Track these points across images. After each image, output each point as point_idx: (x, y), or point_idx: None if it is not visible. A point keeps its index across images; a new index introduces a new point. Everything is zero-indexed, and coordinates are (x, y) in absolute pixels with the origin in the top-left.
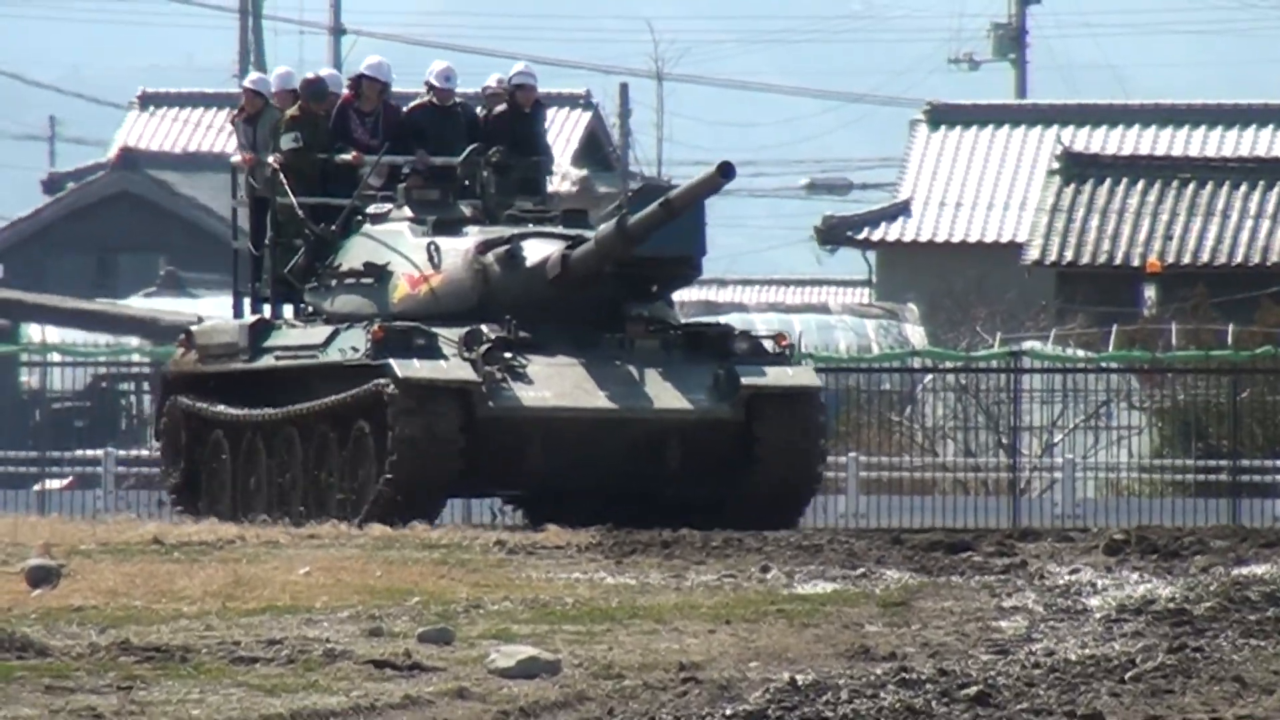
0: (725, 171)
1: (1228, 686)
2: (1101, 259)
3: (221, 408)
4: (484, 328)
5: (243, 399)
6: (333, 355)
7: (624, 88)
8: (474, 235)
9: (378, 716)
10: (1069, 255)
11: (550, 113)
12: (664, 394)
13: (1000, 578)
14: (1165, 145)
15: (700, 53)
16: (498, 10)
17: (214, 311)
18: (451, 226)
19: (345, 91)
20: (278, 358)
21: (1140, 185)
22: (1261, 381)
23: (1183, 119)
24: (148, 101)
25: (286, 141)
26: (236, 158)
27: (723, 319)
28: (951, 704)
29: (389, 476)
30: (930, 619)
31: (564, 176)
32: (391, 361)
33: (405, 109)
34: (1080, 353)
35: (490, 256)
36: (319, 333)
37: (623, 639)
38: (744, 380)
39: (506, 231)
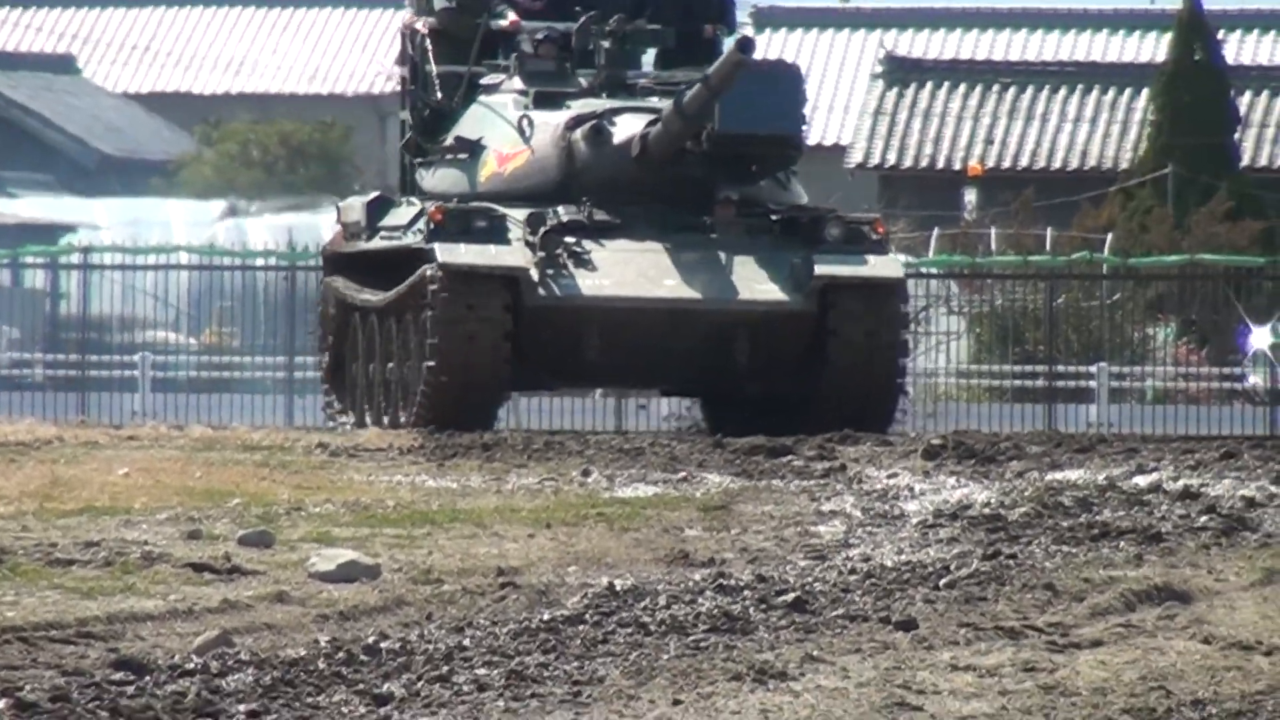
0: (743, 46)
1: (1040, 594)
2: (924, 163)
3: (350, 289)
4: (560, 210)
5: (369, 280)
6: (408, 238)
7: None
8: (572, 110)
9: (195, 620)
10: (891, 159)
11: (375, 14)
12: (735, 284)
13: (820, 482)
14: (986, 49)
15: None
16: None
17: (33, 212)
18: (553, 100)
19: None
20: (383, 238)
21: (962, 89)
22: (1077, 287)
23: (1004, 22)
24: None
25: (440, 1)
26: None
27: None
28: (769, 610)
29: (430, 365)
30: (749, 524)
31: (389, 76)
32: (436, 245)
33: None
34: (902, 257)
35: (578, 133)
36: (410, 212)
37: (442, 543)
38: (818, 269)
39: (609, 105)
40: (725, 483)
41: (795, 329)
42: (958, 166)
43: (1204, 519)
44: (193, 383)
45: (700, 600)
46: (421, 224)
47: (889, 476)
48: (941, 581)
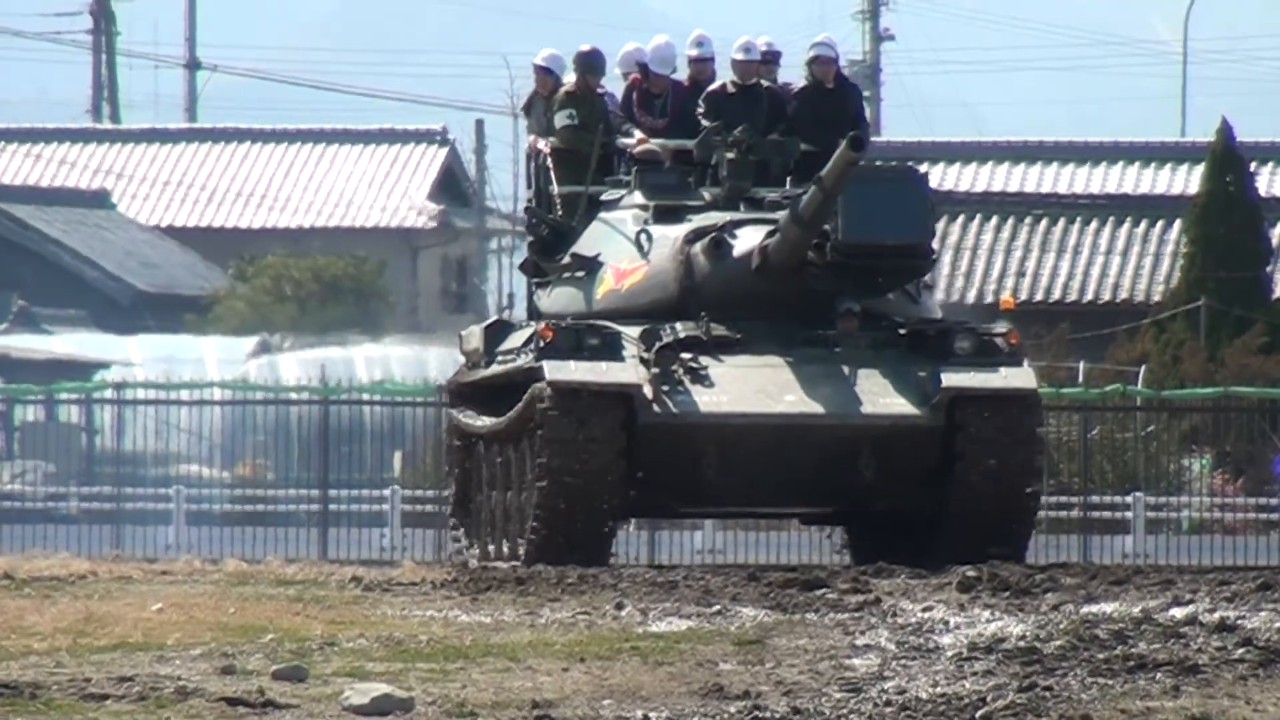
0: (855, 145)
1: None
2: (954, 296)
3: (470, 419)
4: (677, 325)
5: (489, 408)
6: (520, 359)
7: (479, 124)
8: (693, 223)
9: None
10: None
11: (407, 149)
12: (859, 397)
13: (854, 615)
14: (1018, 182)
15: None
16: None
17: (68, 348)
18: (673, 214)
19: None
20: (499, 363)
21: (994, 221)
22: (1111, 419)
23: (1035, 156)
24: None
25: (561, 119)
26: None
27: None
28: None
29: (541, 485)
30: (784, 657)
31: (420, 211)
32: (545, 364)
33: (705, 92)
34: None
35: (697, 246)
36: (526, 334)
37: (476, 677)
38: (945, 380)
39: (730, 218)
40: (759, 616)
41: (923, 444)
42: (989, 299)
43: (1241, 650)
44: (226, 516)
45: None
46: (534, 344)
47: (923, 610)
48: (977, 714)
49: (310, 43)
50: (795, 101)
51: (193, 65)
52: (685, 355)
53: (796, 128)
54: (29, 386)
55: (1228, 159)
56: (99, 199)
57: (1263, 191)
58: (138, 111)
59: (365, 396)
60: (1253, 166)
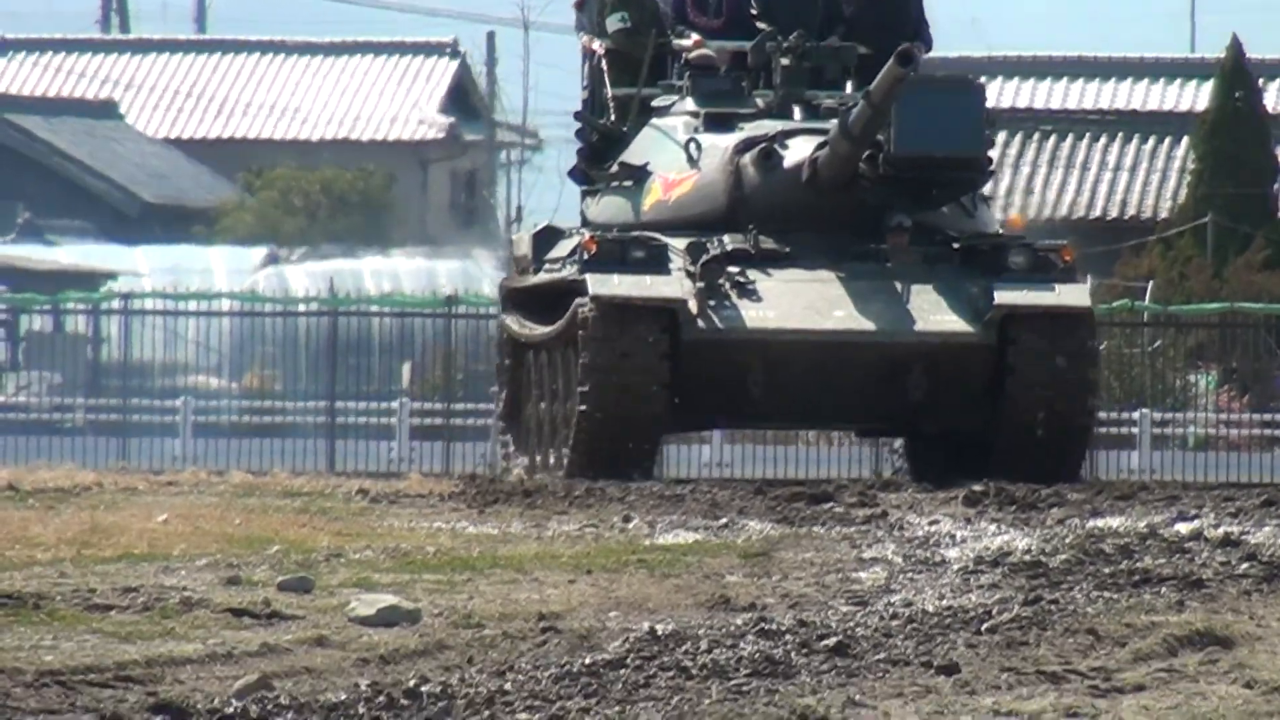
0: (904, 59)
1: (1081, 639)
2: None
3: (521, 326)
4: (725, 238)
5: (539, 316)
6: (565, 270)
7: (490, 36)
8: (744, 132)
9: (235, 664)
10: None
11: (417, 62)
12: (909, 314)
13: (861, 529)
14: (1026, 98)
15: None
16: None
17: (74, 259)
18: (725, 122)
19: None
20: (547, 271)
21: (1001, 137)
22: (1119, 334)
23: (1044, 71)
24: (6, 47)
25: (613, 22)
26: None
27: None
28: (810, 654)
29: (582, 409)
30: (790, 570)
31: (430, 124)
32: (588, 277)
33: None
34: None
35: (747, 157)
36: (573, 243)
37: (483, 588)
38: (998, 298)
39: (782, 127)
40: (766, 529)
41: (975, 363)
42: (999, 216)
43: (1245, 566)
44: (234, 428)
45: (742, 645)
46: (578, 255)
47: (930, 523)
48: (983, 626)
49: None
50: (854, 4)
51: None
52: (732, 269)
53: (854, 30)
54: (35, 296)
55: (1237, 75)
56: (107, 110)
57: (1271, 108)
58: (146, 22)
59: (374, 309)
60: (1260, 83)
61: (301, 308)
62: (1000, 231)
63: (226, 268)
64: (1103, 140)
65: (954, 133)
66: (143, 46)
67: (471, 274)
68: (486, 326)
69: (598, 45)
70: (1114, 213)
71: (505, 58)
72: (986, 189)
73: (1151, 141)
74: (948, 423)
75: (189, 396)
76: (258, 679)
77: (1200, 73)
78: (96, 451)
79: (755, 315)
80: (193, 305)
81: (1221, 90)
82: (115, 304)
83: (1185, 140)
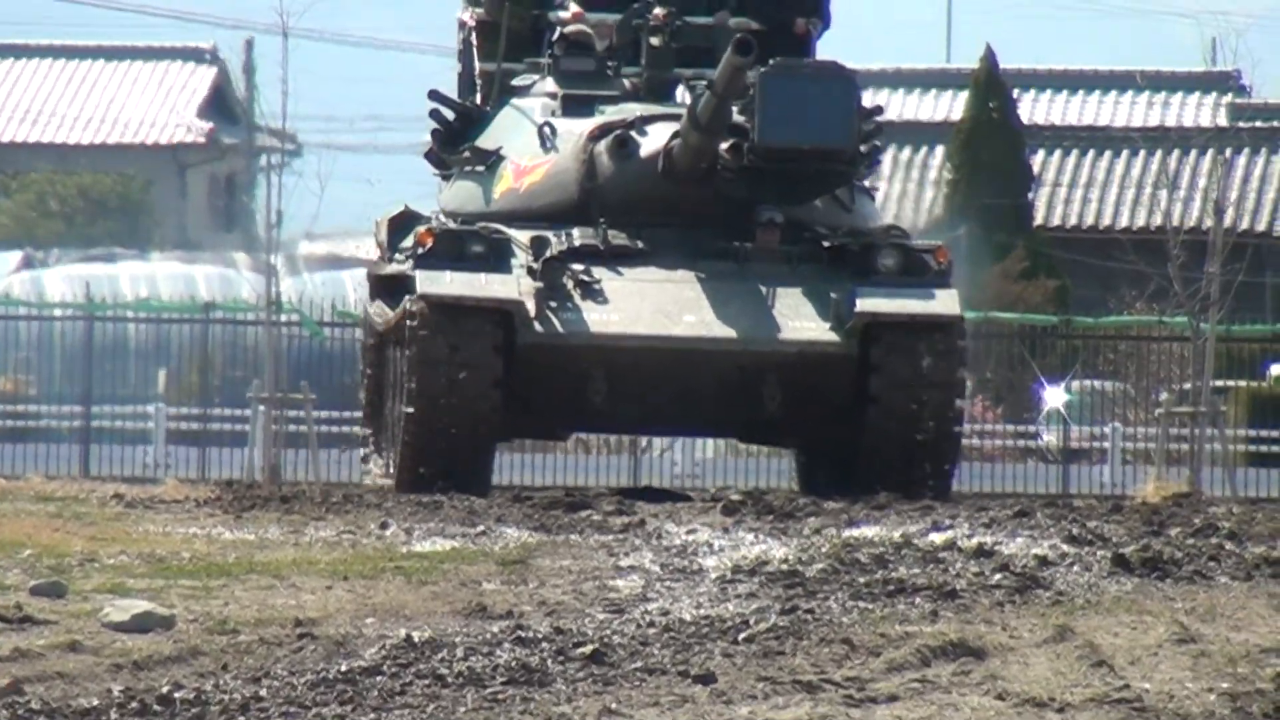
0: (741, 49)
1: (837, 649)
2: None
3: (377, 315)
4: (574, 232)
5: (396, 304)
6: (408, 262)
7: (249, 42)
8: (602, 117)
9: None
10: None
11: (175, 66)
12: (765, 321)
13: (618, 536)
14: None
15: (325, 8)
16: None
17: None
18: (584, 105)
19: None
20: (396, 261)
21: None
22: None
23: None
24: None
25: None
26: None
27: (348, 275)
28: (567, 662)
29: (409, 410)
30: (548, 577)
31: (189, 128)
32: (418, 273)
33: None
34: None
35: (601, 144)
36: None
37: (239, 594)
38: (859, 304)
39: (642, 112)
40: (523, 537)
41: (833, 373)
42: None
43: (998, 576)
44: None
45: (498, 652)
46: (414, 249)
47: (688, 532)
48: (740, 636)
49: None
50: None
51: None
52: (578, 267)
53: (749, 5)
54: None
55: (992, 85)
56: None
57: (1025, 119)
58: None
59: (130, 314)
60: (1015, 93)
61: (57, 312)
62: (877, 227)
63: None
64: None
65: (822, 123)
66: None
67: (230, 280)
68: (244, 332)
69: (467, 15)
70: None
71: (264, 63)
72: (869, 181)
73: (907, 151)
74: (808, 435)
75: None
76: (9, 683)
77: (955, 83)
78: None
79: (598, 319)
80: None
81: (976, 100)
82: None
83: (941, 150)
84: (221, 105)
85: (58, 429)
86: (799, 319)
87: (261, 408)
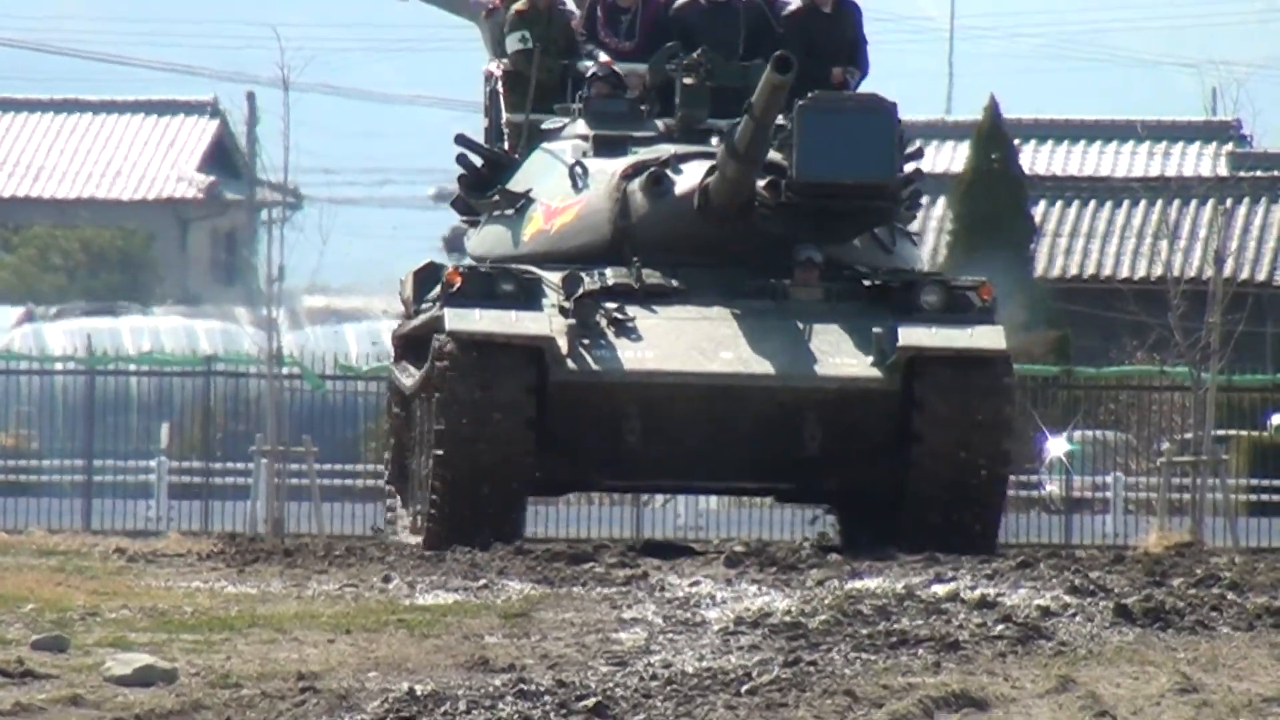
0: (781, 66)
1: (839, 700)
2: None
3: (402, 374)
4: (607, 271)
5: (421, 362)
6: (437, 308)
7: (251, 96)
8: (635, 156)
9: None
10: None
11: (176, 121)
12: (804, 357)
13: (621, 589)
14: None
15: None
16: (122, 14)
17: None
18: (616, 146)
19: None
20: (424, 311)
21: None
22: None
23: None
24: None
25: (512, 42)
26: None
27: (349, 328)
28: (569, 715)
29: (438, 454)
30: (550, 630)
31: (190, 182)
32: (447, 311)
33: (673, 7)
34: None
35: (635, 183)
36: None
37: (241, 648)
38: (902, 339)
39: (676, 151)
40: (526, 590)
41: (875, 410)
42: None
43: (1000, 627)
44: None
45: (500, 705)
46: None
47: (690, 584)
48: (743, 688)
49: (78, 11)
50: (785, 25)
51: None
52: (611, 305)
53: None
54: None
55: (994, 136)
56: None
57: (1026, 169)
58: None
59: (132, 367)
60: (1015, 142)
61: (59, 366)
62: (919, 270)
63: None
64: None
65: (862, 157)
66: None
67: (232, 333)
68: (246, 385)
69: (495, 67)
70: None
71: (266, 117)
72: (913, 225)
73: None
74: (849, 480)
75: None
76: None
77: (956, 134)
78: None
79: (633, 356)
80: None
81: (978, 151)
82: None
83: (942, 200)
84: (223, 158)
85: (60, 483)
86: (840, 355)
87: (264, 461)
